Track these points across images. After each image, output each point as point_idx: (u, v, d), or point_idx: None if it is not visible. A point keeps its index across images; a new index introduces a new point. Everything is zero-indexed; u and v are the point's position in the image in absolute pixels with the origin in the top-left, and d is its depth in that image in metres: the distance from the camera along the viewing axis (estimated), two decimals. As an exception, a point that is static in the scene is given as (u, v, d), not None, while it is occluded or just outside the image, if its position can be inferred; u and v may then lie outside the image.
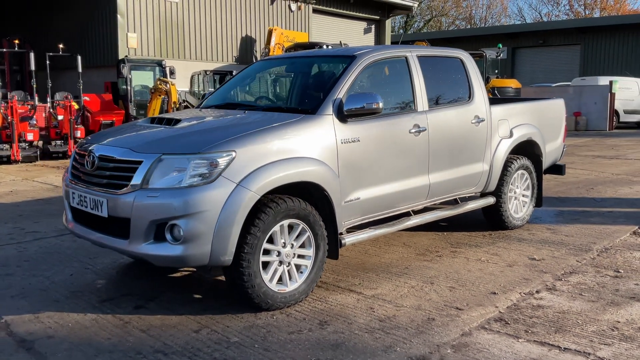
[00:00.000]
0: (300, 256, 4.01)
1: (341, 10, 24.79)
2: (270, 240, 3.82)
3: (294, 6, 22.74)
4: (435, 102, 5.08)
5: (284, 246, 3.89)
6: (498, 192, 5.83)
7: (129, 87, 15.62)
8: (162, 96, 14.52)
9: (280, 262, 3.90)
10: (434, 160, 4.98)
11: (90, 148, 3.95)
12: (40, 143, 13.05)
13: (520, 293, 4.24)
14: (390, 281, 4.49)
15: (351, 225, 4.49)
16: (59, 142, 13.12)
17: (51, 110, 13.32)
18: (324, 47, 18.91)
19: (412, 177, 4.82)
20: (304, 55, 5.19)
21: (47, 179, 10.00)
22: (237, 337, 3.48)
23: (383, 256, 5.16)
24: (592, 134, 19.42)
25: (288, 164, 3.82)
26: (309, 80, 5.00)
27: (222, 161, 3.56)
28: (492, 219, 6.03)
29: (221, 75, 17.16)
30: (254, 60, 21.64)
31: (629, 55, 31.50)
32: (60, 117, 13.23)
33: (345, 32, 25.00)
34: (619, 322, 3.71)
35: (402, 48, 5.01)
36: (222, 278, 4.58)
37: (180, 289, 4.36)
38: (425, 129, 4.85)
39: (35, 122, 12.83)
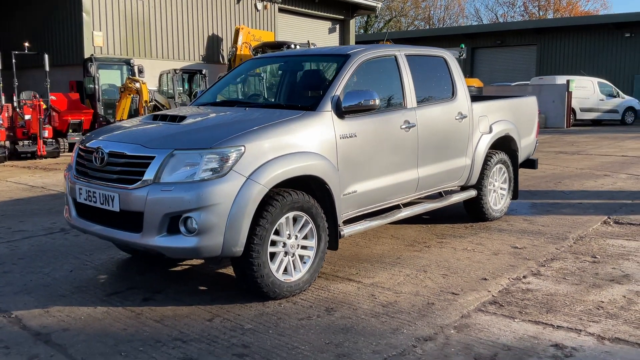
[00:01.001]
0: (303, 247, 4.17)
1: (306, 10, 24.97)
2: (276, 232, 3.97)
3: (259, 5, 22.80)
4: (423, 99, 5.31)
5: (289, 237, 4.05)
6: (479, 186, 6.11)
7: (96, 86, 15.43)
8: (132, 95, 14.43)
9: (286, 253, 4.05)
10: (423, 155, 5.21)
11: (97, 145, 4.02)
12: (7, 143, 12.80)
13: (508, 278, 4.51)
14: (386, 270, 4.70)
15: (347, 218, 4.67)
16: (26, 142, 12.89)
17: (17, 109, 13.07)
18: (292, 46, 19.09)
19: (403, 171, 5.04)
20: (297, 54, 5.34)
21: (20, 179, 9.86)
22: (250, 324, 3.63)
23: (374, 248, 5.36)
24: (551, 131, 20.15)
25: (293, 159, 3.98)
26: (305, 78, 5.16)
27: (232, 156, 3.69)
28: (473, 211, 6.31)
29: (190, 74, 17.11)
30: (221, 59, 21.64)
31: (583, 55, 32.66)
32: (27, 117, 13.00)
33: (310, 32, 25.18)
34: (602, 302, 4.00)
35: (390, 47, 5.22)
36: (224, 271, 4.71)
37: (184, 281, 4.46)
38: (415, 125, 5.08)
39: (1, 122, 12.58)
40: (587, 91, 23.86)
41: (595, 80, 24.66)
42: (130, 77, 14.63)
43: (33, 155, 12.82)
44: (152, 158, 3.71)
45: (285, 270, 4.07)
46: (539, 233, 5.88)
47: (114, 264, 4.95)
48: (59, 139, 13.67)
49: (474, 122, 5.90)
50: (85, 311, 3.87)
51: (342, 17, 26.93)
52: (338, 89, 4.49)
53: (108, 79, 16.07)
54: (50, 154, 13.08)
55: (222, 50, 21.66)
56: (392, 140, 4.88)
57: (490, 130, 6.14)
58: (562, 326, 3.60)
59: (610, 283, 4.39)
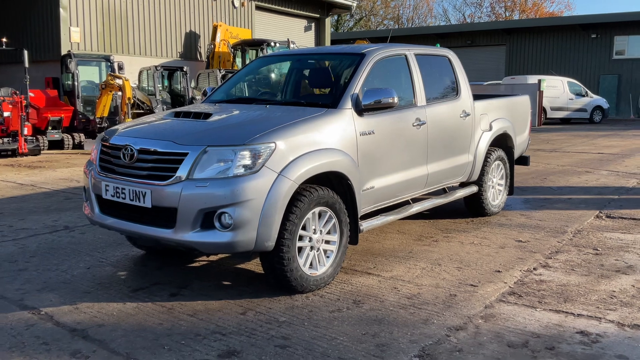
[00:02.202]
0: (326, 242, 4.26)
1: (283, 8, 24.98)
2: (303, 227, 4.05)
3: (237, 2, 22.72)
4: (431, 97, 5.45)
5: (315, 232, 4.14)
6: (480, 182, 6.29)
7: (75, 83, 15.19)
8: (114, 92, 14.26)
9: (312, 248, 4.14)
10: (432, 152, 5.36)
11: (125, 142, 4.02)
12: (-15, 141, 12.52)
13: (520, 270, 4.68)
14: (401, 264, 4.82)
15: (364, 213, 4.78)
16: (6, 139, 12.62)
17: (-5, 106, 12.78)
18: (272, 44, 19.11)
19: (414, 167, 5.17)
20: (311, 52, 5.42)
21: (7, 177, 9.68)
22: (284, 317, 3.70)
23: (384, 243, 5.48)
24: (525, 130, 20.56)
25: (320, 155, 4.06)
26: (322, 76, 5.24)
27: (264, 152, 3.76)
28: (473, 207, 6.49)
29: (170, 71, 16.97)
30: (199, 56, 21.51)
31: (551, 55, 33.46)
32: (6, 114, 12.73)
33: (286, 30, 25.20)
34: (614, 291, 4.20)
35: (399, 46, 5.35)
36: (243, 266, 4.77)
37: (207, 277, 4.51)
38: (425, 123, 5.22)
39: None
40: (557, 90, 24.49)
41: (565, 79, 25.33)
42: (112, 73, 14.44)
43: (14, 153, 12.57)
44: (185, 154, 3.75)
45: (311, 264, 4.15)
46: (538, 227, 6.09)
47: (129, 260, 4.96)
48: (38, 136, 13.42)
49: (476, 119, 6.07)
50: (115, 307, 3.89)
51: (318, 16, 27.01)
52: (357, 87, 4.59)
53: (87, 75, 15.83)
54: (32, 152, 12.85)
55: (200, 47, 21.52)
56: (405, 137, 5.01)
57: (491, 128, 6.32)
58: (582, 314, 3.78)
59: (617, 274, 4.60)
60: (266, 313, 3.78)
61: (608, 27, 31.75)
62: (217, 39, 20.33)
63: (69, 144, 14.36)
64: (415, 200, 5.54)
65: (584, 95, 25.25)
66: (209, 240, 3.69)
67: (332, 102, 4.48)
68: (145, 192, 3.82)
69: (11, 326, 3.59)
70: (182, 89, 16.77)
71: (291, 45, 19.49)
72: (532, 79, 23.82)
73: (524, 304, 3.95)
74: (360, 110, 4.52)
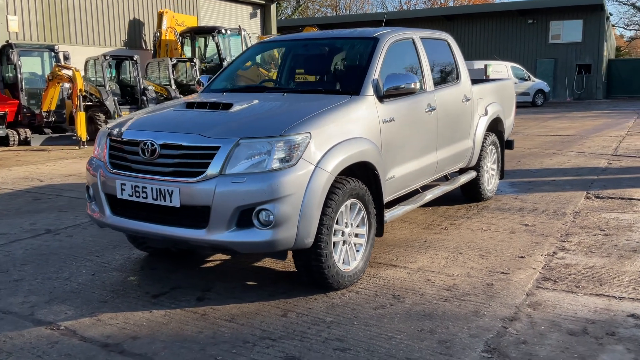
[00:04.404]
0: (356, 235, 4.08)
1: (229, -6, 24.38)
2: (336, 221, 3.85)
3: (182, -11, 21.96)
4: (436, 82, 5.34)
5: (346, 226, 3.94)
6: (477, 167, 6.25)
7: (18, 75, 14.24)
8: (62, 83, 13.48)
9: (344, 242, 3.94)
10: (440, 138, 5.25)
11: (144, 137, 3.68)
12: None
13: (541, 255, 4.65)
14: (422, 254, 4.70)
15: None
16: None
17: None
18: (223, 31, 18.61)
19: (427, 154, 5.05)
20: (319, 37, 5.16)
21: (-42, 178, 8.93)
22: (330, 317, 3.50)
23: (394, 233, 5.35)
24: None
25: (351, 145, 3.86)
26: (336, 62, 5.01)
27: (301, 143, 3.53)
28: (469, 192, 6.45)
29: (118, 61, 16.20)
30: (144, 45, 20.70)
31: (490, 41, 34.30)
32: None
33: (232, 17, 24.62)
34: (641, 272, 4.24)
35: (404, 30, 5.19)
36: (260, 264, 4.52)
37: (227, 278, 4.23)
38: (435, 109, 5.10)
39: None
40: (502, 75, 25.04)
41: (509, 64, 26.00)
42: (59, 64, 13.62)
43: (-43, 151, 11.68)
44: (217, 148, 3.46)
45: (343, 260, 3.96)
46: (537, 210, 6.11)
47: (135, 263, 4.61)
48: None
49: (474, 104, 6.01)
50: (142, 316, 3.57)
51: (263, 2, 26.53)
52: (376, 73, 4.41)
53: (29, 66, 14.88)
54: (-24, 149, 11.98)
55: (145, 35, 20.71)
56: (420, 123, 4.87)
57: (486, 113, 6.29)
58: (623, 297, 3.77)
59: (635, 254, 4.64)
60: (308, 314, 3.56)
61: (544, 13, 32.82)
62: (164, 27, 19.63)
63: (14, 141, 13.47)
64: (424, 188, 5.43)
65: (526, 80, 26.01)
66: (248, 240, 3.43)
67: (353, 89, 4.28)
68: (173, 191, 3.51)
69: (32, 344, 3.23)
70: (132, 79, 16.05)
71: (242, 33, 19.05)
72: (479, 64, 24.26)
73: (563, 290, 3.91)
74: (381, 96, 4.34)
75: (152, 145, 3.61)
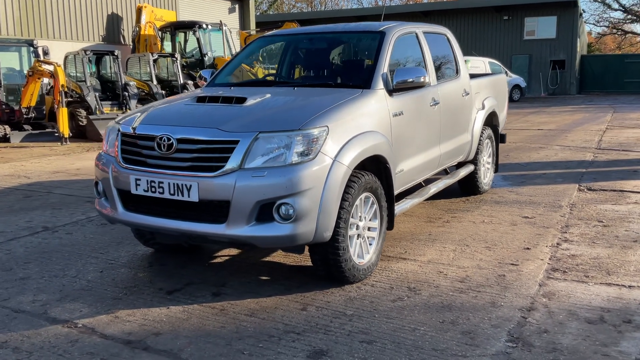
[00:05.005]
0: (368, 229, 4.09)
1: (207, -11, 24.15)
2: (352, 215, 3.85)
3: (160, -17, 21.68)
4: (439, 76, 5.37)
5: (360, 220, 3.95)
6: (474, 161, 6.32)
7: (-4, 70, 13.91)
8: (42, 79, 13.22)
9: (358, 236, 3.95)
10: (443, 132, 5.29)
11: (159, 131, 3.63)
12: None
13: (546, 246, 4.73)
14: (429, 247, 4.74)
15: (392, 197, 4.64)
16: None
17: None
18: (204, 26, 18.44)
19: (431, 148, 5.09)
20: (324, 31, 5.13)
21: (-59, 176, 8.70)
22: (350, 310, 3.51)
23: (398, 226, 5.36)
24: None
25: (365, 138, 3.87)
26: (342, 56, 5.00)
27: (320, 137, 3.52)
28: (467, 186, 6.52)
29: (98, 56, 15.93)
30: (122, 40, 20.40)
31: (467, 37, 34.58)
32: None
33: (211, 11, 24.40)
34: (646, 261, 4.34)
35: (407, 23, 5.21)
36: (269, 259, 4.50)
37: (239, 273, 4.21)
38: (439, 103, 5.13)
39: None
40: (480, 70, 25.29)
41: (487, 60, 26.26)
42: (39, 59, 13.33)
43: None
44: (236, 142, 3.43)
45: (357, 253, 3.97)
46: (534, 203, 6.21)
47: (142, 260, 4.55)
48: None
49: (473, 98, 6.07)
50: (160, 312, 3.53)
51: (242, -3, 26.35)
52: (385, 66, 4.42)
53: (7, 62, 14.54)
54: (-45, 147, 11.67)
55: (123, 30, 20.40)
56: (425, 117, 4.90)
57: (483, 107, 6.35)
58: (633, 286, 3.85)
59: (636, 244, 4.75)
60: (327, 307, 3.56)
61: (519, 9, 33.22)
62: (143, 21, 19.36)
63: (-7, 137, 13.17)
64: (426, 182, 5.47)
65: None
66: (269, 234, 3.42)
67: (364, 83, 4.29)
68: (191, 185, 3.47)
69: (51, 343, 3.17)
70: (112, 74, 15.80)
71: (224, 28, 18.90)
72: (457, 60, 24.45)
73: (573, 280, 3.98)
74: (391, 90, 4.36)
75: (169, 139, 3.56)
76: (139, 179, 3.67)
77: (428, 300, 3.65)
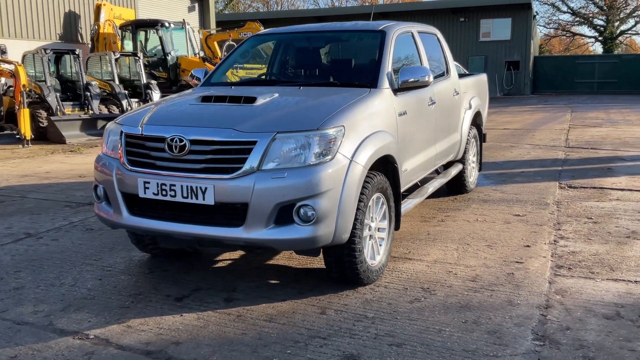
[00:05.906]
0: (378, 229, 4.05)
1: (167, -13, 23.69)
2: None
3: (119, -19, 21.12)
4: (433, 76, 5.37)
5: (372, 220, 3.91)
6: (462, 160, 6.37)
7: (-50, 70, 13.23)
8: (0, 79, 12.67)
9: (370, 237, 3.91)
10: (439, 132, 5.31)
11: (170, 132, 3.48)
12: None
13: (544, 244, 4.79)
14: (431, 247, 4.73)
15: (395, 197, 4.61)
16: None
17: None
18: (167, 24, 18.08)
19: (429, 147, 5.09)
20: (323, 29, 5.05)
21: None
22: (370, 313, 3.46)
23: (394, 226, 5.35)
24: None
25: (377, 138, 3.82)
26: (345, 55, 4.94)
27: (338, 137, 3.46)
28: (454, 185, 6.56)
29: (58, 55, 15.37)
30: (80, 38, 19.79)
31: (425, 38, 35.01)
32: None
33: (170, 10, 23.93)
34: (644, 256, 4.44)
35: (405, 23, 5.19)
36: (273, 262, 4.40)
37: (247, 277, 4.09)
38: (435, 102, 5.14)
39: None
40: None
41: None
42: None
43: None
44: (253, 143, 3.33)
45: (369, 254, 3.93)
46: (520, 201, 6.30)
47: (141, 266, 4.38)
48: None
49: (462, 98, 6.11)
50: (174, 320, 3.40)
51: (202, -4, 25.96)
52: (388, 66, 4.39)
53: (-41, 61, 13.85)
54: None
55: (81, 28, 19.78)
56: (425, 116, 4.90)
57: (470, 106, 6.41)
58: (638, 281, 3.94)
59: (629, 239, 4.87)
60: (346, 310, 3.50)
61: (475, 11, 33.87)
62: (102, 19, 18.80)
63: (-52, 140, 12.55)
64: (421, 181, 5.47)
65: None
66: (289, 237, 3.33)
67: (370, 82, 4.24)
68: (206, 188, 3.35)
69: (65, 356, 3.00)
70: (73, 74, 15.29)
71: (186, 27, 18.56)
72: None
73: (580, 276, 4.03)
74: (395, 89, 4.33)
75: (181, 140, 3.43)
76: (148, 182, 3.52)
77: (445, 301, 3.64)
